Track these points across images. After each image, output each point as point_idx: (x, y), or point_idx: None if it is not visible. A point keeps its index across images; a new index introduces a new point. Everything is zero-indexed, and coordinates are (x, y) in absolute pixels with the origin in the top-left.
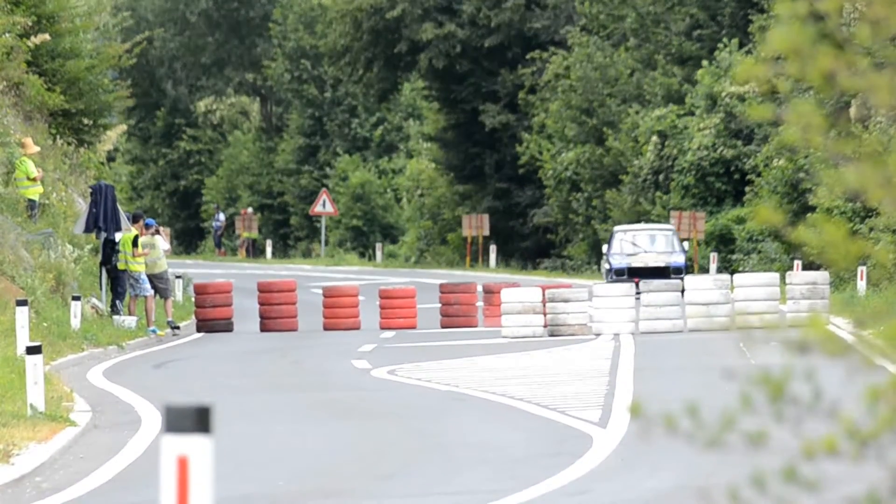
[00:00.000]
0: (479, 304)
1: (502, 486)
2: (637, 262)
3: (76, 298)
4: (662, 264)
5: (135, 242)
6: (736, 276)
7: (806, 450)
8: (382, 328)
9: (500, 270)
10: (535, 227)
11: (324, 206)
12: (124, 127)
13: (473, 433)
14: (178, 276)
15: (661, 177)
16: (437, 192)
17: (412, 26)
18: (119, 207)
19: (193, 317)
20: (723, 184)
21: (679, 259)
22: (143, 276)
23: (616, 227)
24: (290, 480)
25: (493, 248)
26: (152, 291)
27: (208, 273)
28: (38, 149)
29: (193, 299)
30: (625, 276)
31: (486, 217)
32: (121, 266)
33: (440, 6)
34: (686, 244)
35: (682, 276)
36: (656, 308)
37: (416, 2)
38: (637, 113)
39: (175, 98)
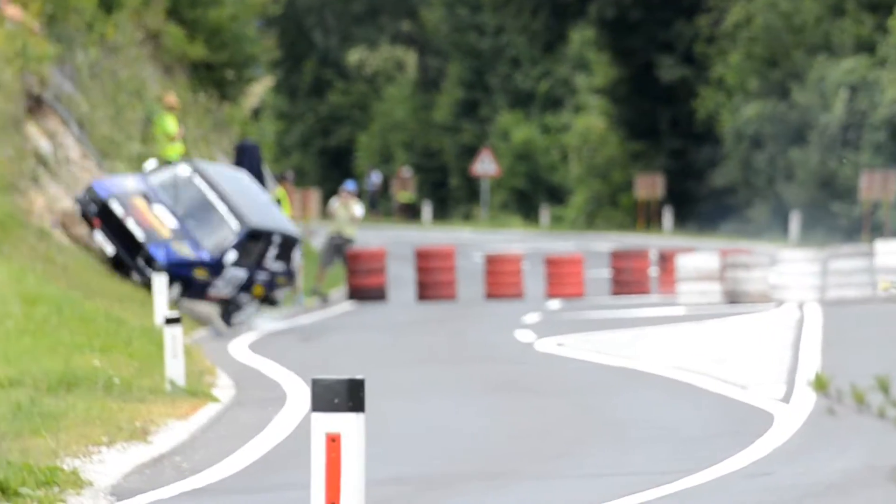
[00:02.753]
0: (653, 270)
1: (677, 467)
2: None
3: None
4: None
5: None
6: None
7: None
8: (548, 297)
9: (675, 235)
10: (712, 188)
11: (485, 165)
12: (270, 80)
13: (646, 410)
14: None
15: (850, 133)
16: (607, 150)
17: None
18: (265, 167)
19: (345, 285)
20: None
21: None
22: None
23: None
24: (448, 461)
25: (667, 211)
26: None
27: (361, 238)
28: (179, 103)
29: (345, 266)
30: None
31: (659, 177)
32: None
33: None
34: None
35: None
36: (844, 275)
37: None
38: (825, 64)
39: (325, 49)
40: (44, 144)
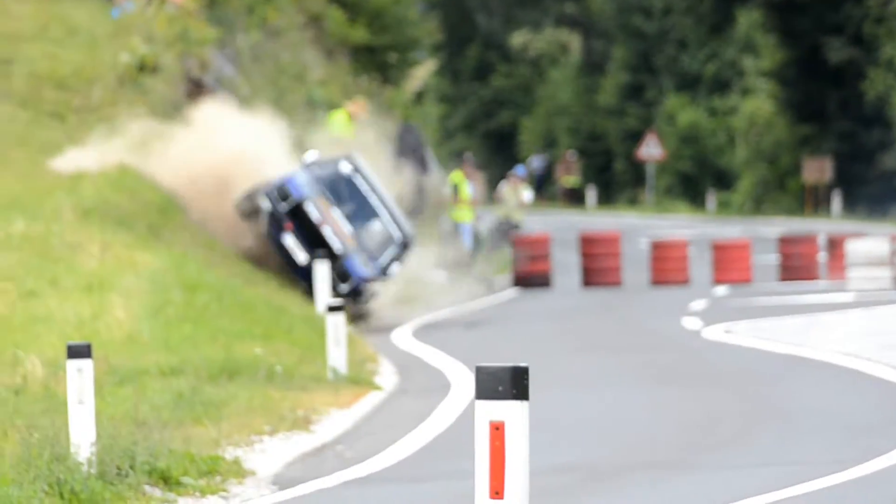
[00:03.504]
0: (822, 256)
1: (846, 456)
2: None
3: None
4: None
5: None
6: None
7: None
8: (715, 283)
9: (845, 219)
10: (883, 172)
11: (650, 149)
12: (433, 63)
13: (815, 398)
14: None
15: None
16: (775, 133)
17: None
18: (427, 150)
19: (510, 271)
20: None
21: None
22: (464, 227)
23: None
24: (614, 450)
25: (835, 195)
26: (469, 244)
27: (526, 222)
28: (364, 115)
29: (510, 252)
30: None
31: (828, 161)
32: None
33: None
34: None
35: None
36: None
37: None
38: None
39: (488, 31)
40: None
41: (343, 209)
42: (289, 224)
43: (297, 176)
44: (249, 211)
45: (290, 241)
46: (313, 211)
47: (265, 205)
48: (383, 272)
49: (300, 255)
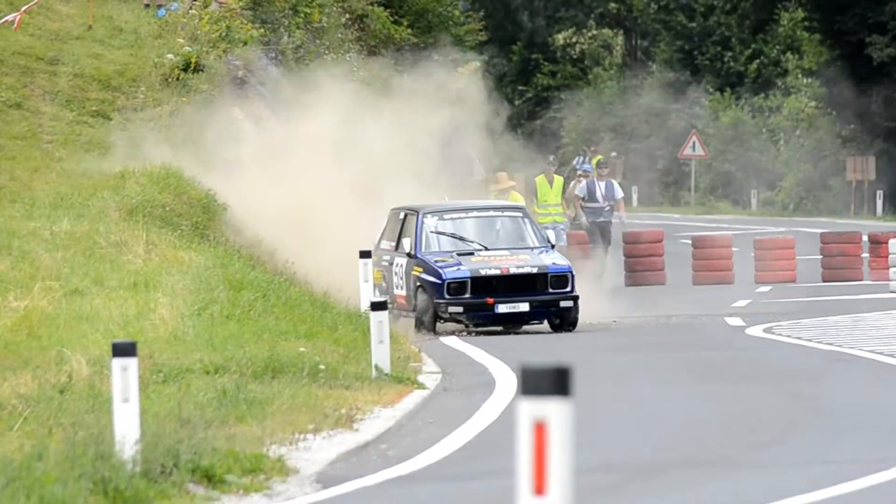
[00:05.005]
0: (865, 255)
1: (890, 455)
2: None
3: None
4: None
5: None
6: None
7: None
8: (758, 281)
9: (889, 219)
10: None
11: (693, 148)
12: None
13: (858, 397)
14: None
15: None
16: (819, 132)
17: None
18: (470, 150)
19: None
20: None
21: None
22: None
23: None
24: (657, 448)
25: (880, 194)
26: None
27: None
28: (512, 184)
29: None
30: (466, 294)
31: (872, 160)
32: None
33: None
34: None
35: (568, 286)
36: None
37: None
38: None
39: (532, 31)
40: (248, 128)
41: None
42: None
43: None
44: None
45: None
46: None
47: None
48: None
49: None
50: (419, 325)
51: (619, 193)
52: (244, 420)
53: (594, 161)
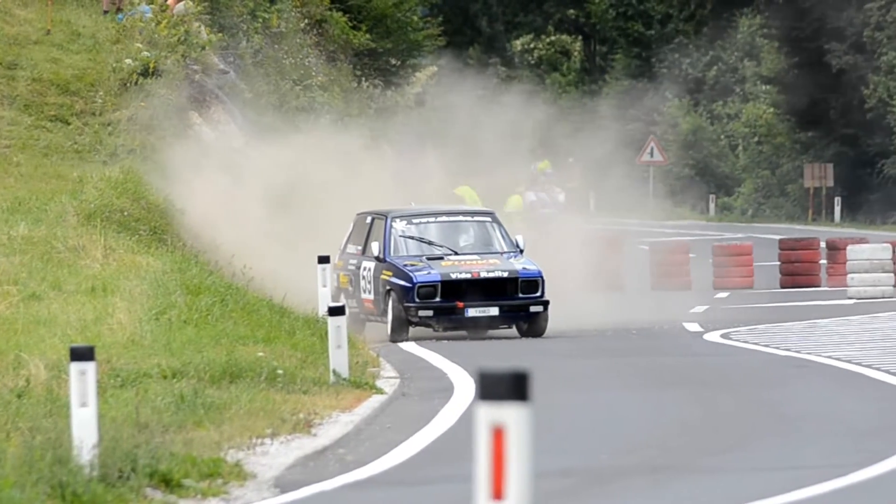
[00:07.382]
0: (823, 261)
1: (848, 461)
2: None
3: None
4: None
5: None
6: None
7: None
8: (716, 287)
9: (846, 225)
10: (884, 178)
11: (651, 154)
12: (435, 68)
13: (816, 403)
14: None
15: None
16: (777, 139)
17: None
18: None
19: None
20: None
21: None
22: None
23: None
24: (615, 454)
25: (837, 201)
26: None
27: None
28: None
29: None
30: (436, 298)
31: (830, 167)
32: None
33: None
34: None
35: (539, 291)
36: None
37: None
38: None
39: (490, 36)
40: (206, 132)
41: None
42: None
43: None
44: None
45: None
46: None
47: None
48: None
49: None
50: (395, 330)
51: (561, 198)
52: (202, 425)
53: (541, 167)
